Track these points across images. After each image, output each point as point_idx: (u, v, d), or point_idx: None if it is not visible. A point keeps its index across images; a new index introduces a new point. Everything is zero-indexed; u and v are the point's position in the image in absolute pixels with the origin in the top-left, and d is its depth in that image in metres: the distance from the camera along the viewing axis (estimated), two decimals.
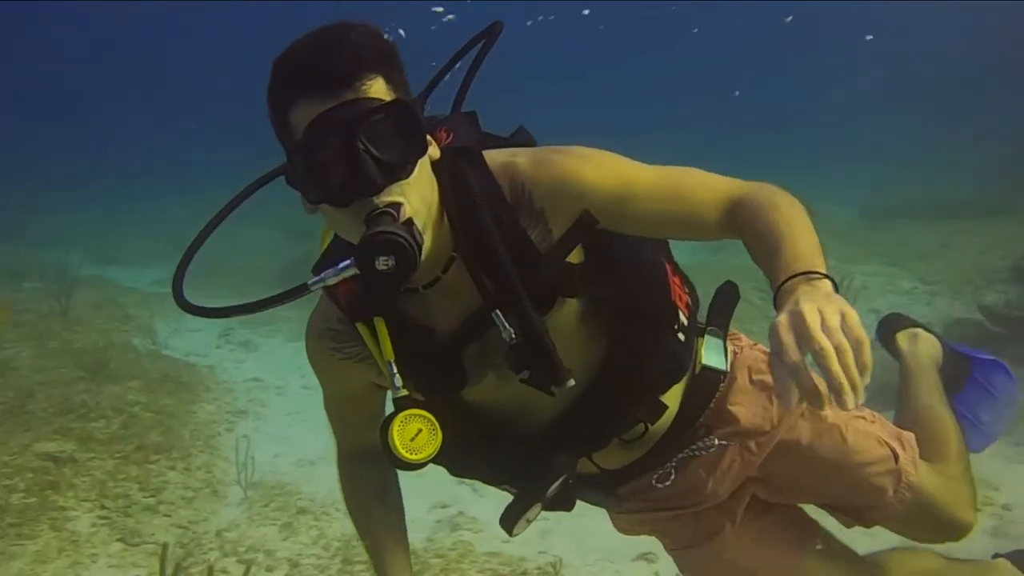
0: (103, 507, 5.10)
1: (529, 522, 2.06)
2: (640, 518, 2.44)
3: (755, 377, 2.26)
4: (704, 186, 1.87)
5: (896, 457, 2.33)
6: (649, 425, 2.07)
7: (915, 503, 2.35)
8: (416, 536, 4.90)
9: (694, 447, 2.22)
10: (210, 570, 3.46)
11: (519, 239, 1.78)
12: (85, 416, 6.09)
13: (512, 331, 1.74)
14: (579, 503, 2.34)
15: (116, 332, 8.63)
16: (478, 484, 5.36)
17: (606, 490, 2.32)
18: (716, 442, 2.22)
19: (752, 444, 2.24)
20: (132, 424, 6.08)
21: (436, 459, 2.00)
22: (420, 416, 1.79)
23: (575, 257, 1.84)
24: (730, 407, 2.22)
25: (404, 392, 1.81)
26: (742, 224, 1.77)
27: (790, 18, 32.69)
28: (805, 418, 2.29)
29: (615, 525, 2.56)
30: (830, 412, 2.29)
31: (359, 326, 1.86)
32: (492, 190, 1.78)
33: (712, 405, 2.20)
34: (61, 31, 38.40)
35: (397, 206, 1.59)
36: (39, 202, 16.12)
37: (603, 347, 1.95)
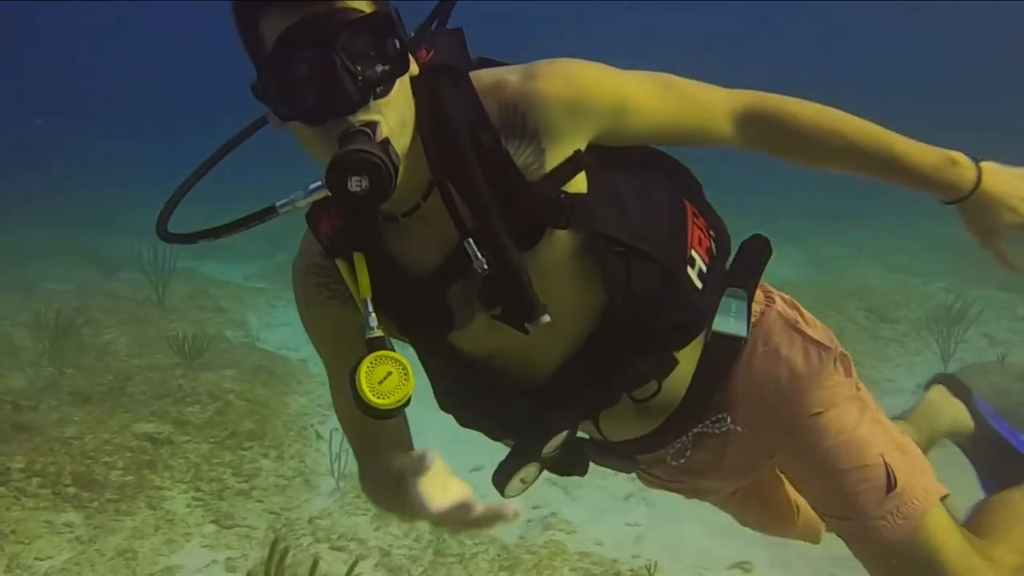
0: (198, 489, 5.32)
1: (525, 484, 1.97)
2: (665, 486, 2.41)
3: (772, 343, 2.09)
4: (704, 93, 1.91)
5: (891, 479, 2.01)
6: (660, 382, 1.92)
7: (910, 546, 1.98)
8: (508, 534, 5.03)
9: (710, 422, 2.10)
10: (314, 564, 3.60)
11: (500, 163, 1.69)
12: (181, 400, 6.33)
13: (484, 261, 1.65)
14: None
15: (210, 323, 8.93)
16: (570, 485, 5.50)
17: (626, 456, 2.23)
18: (729, 422, 2.09)
19: (765, 421, 2.07)
20: (227, 411, 6.30)
21: (445, 408, 1.96)
22: (390, 358, 1.66)
23: (577, 187, 1.74)
24: (745, 377, 2.07)
25: (378, 332, 1.70)
26: (792, 135, 1.94)
27: None
28: (831, 397, 2.07)
29: (641, 480, 2.48)
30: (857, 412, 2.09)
31: (339, 262, 1.78)
32: (472, 110, 1.69)
33: (730, 373, 2.06)
34: (133, 24, 39.20)
35: (373, 125, 1.52)
36: (132, 194, 16.64)
37: (604, 294, 1.82)
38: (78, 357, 7.26)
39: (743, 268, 2.08)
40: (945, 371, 7.43)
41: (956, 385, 2.97)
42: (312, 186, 1.58)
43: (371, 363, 1.64)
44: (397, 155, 1.52)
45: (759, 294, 2.12)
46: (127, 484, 5.19)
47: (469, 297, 1.77)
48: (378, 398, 1.63)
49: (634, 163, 1.88)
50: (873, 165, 1.97)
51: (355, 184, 1.47)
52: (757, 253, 2.11)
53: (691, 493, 2.41)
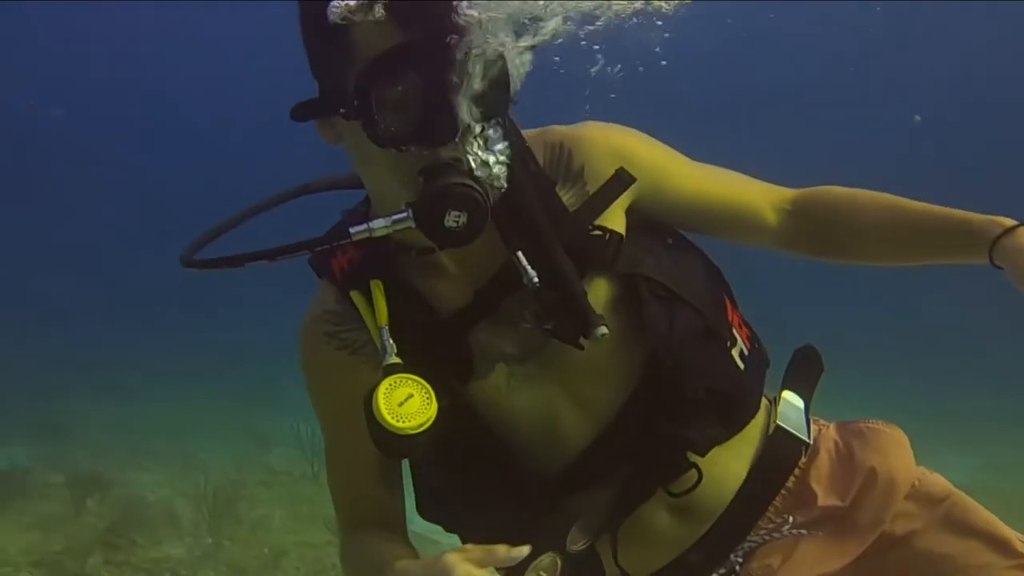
0: None
1: None
2: None
3: (842, 447, 1.93)
4: (742, 177, 1.92)
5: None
6: (700, 470, 1.72)
7: None
8: None
9: (765, 532, 1.86)
10: None
11: (545, 189, 1.67)
12: None
13: (534, 275, 1.58)
14: None
15: None
16: None
17: None
18: (791, 521, 1.85)
19: (839, 534, 1.86)
20: None
21: (428, 513, 1.85)
22: (411, 380, 1.55)
23: (618, 229, 1.73)
24: (812, 484, 1.87)
25: (395, 360, 1.59)
26: (843, 214, 1.89)
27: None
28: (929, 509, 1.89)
29: None
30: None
31: (354, 295, 1.70)
32: (521, 147, 1.66)
33: (791, 484, 1.87)
34: None
35: (458, 161, 1.46)
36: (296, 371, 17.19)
37: (641, 353, 1.71)
38: (234, 529, 7.47)
39: (799, 375, 2.00)
40: None
41: None
42: (396, 216, 1.50)
43: (390, 384, 1.55)
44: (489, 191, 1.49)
45: (813, 427, 1.97)
46: None
47: (494, 340, 1.70)
48: (398, 420, 1.51)
49: (672, 238, 1.86)
50: (930, 232, 1.83)
51: (452, 219, 1.43)
52: (810, 364, 2.03)
53: None
